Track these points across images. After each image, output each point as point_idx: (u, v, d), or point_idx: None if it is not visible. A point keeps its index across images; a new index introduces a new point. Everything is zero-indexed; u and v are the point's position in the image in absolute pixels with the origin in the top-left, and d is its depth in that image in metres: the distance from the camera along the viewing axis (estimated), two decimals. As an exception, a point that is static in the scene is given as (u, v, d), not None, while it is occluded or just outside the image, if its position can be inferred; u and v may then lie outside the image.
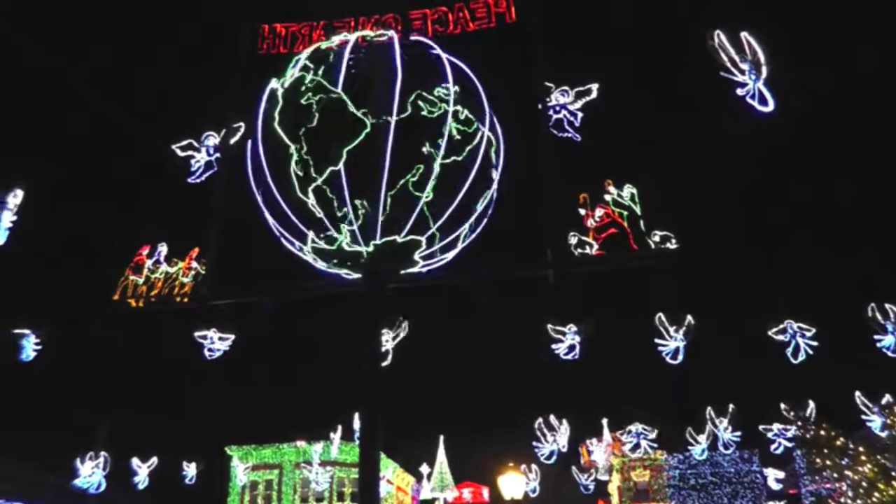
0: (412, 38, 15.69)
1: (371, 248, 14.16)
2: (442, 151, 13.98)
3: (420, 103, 14.17)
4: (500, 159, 15.07)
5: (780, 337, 20.47)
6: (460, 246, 15.00)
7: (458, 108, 14.31)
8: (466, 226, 14.76)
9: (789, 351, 20.37)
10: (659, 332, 21.39)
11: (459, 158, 14.18)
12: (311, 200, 13.97)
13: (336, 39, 15.59)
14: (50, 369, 23.12)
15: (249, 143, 15.27)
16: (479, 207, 14.73)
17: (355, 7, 17.19)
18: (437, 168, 13.96)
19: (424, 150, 13.96)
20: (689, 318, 20.80)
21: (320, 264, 15.07)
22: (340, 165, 13.86)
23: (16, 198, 17.78)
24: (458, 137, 14.21)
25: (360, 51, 15.08)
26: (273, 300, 15.91)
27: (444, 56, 14.91)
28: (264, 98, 14.88)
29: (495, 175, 14.84)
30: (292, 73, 14.79)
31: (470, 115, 14.38)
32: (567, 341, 21.51)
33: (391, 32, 15.52)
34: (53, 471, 33.98)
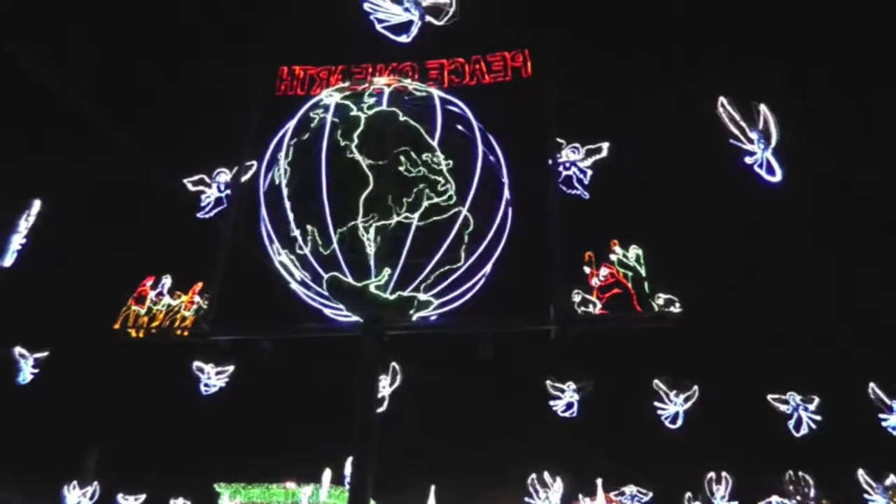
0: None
1: (394, 298, 14.26)
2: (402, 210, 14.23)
3: (402, 158, 14.40)
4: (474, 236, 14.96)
5: (783, 408, 20.27)
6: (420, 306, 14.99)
7: (440, 178, 14.48)
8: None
9: (791, 423, 20.14)
10: (660, 396, 21.21)
11: (420, 223, 14.35)
12: (371, 236, 14.12)
13: (412, 84, 15.91)
14: (44, 394, 22.92)
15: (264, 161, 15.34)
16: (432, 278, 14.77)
17: (374, 54, 17.40)
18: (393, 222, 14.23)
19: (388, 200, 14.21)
20: (691, 383, 20.68)
21: (313, 299, 15.13)
22: (415, 216, 14.17)
23: (26, 221, 17.90)
24: (426, 204, 14.37)
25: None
26: (272, 340, 15.82)
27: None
28: (329, 116, 14.95)
29: (462, 254, 14.78)
30: (372, 101, 15.07)
31: (452, 192, 14.48)
32: (566, 398, 21.35)
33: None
34: (40, 497, 33.50)
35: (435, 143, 14.66)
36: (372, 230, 14.11)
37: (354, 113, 14.91)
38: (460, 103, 15.66)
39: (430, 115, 15.11)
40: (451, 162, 14.55)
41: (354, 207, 14.15)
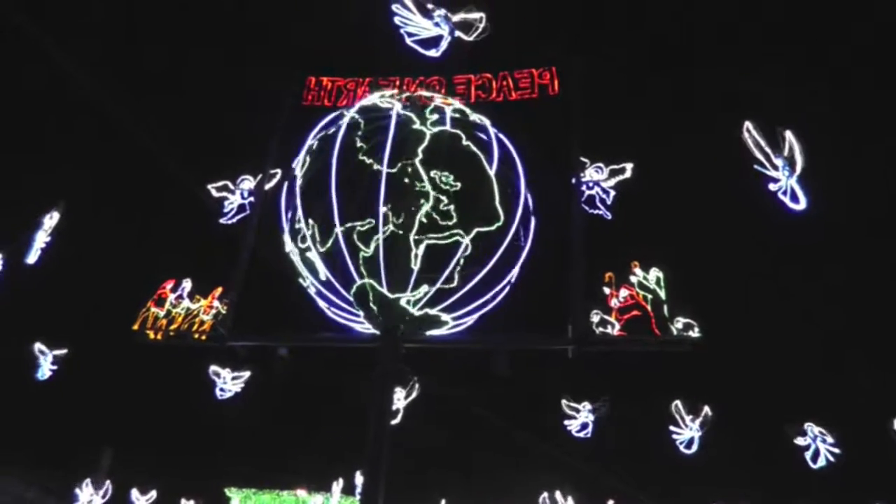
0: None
1: (420, 314, 14.32)
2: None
3: (408, 169, 14.42)
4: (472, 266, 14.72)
5: (800, 439, 20.01)
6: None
7: (443, 198, 14.37)
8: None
9: (808, 454, 19.87)
10: (675, 420, 21.04)
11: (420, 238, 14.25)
12: (420, 251, 14.12)
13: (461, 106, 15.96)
14: (62, 391, 23.14)
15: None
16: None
17: (402, 66, 17.49)
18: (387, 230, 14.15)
19: (382, 208, 14.14)
20: (707, 408, 20.49)
21: (332, 310, 15.13)
22: (467, 241, 14.18)
23: (51, 219, 18.13)
24: (423, 221, 14.23)
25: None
26: (289, 348, 15.87)
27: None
28: (392, 126, 14.89)
29: (456, 275, 14.55)
30: (436, 118, 15.11)
31: (453, 212, 14.31)
32: (581, 418, 21.27)
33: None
34: (54, 493, 33.77)
35: (492, 174, 14.69)
36: (423, 246, 14.09)
37: (417, 126, 14.92)
38: (506, 140, 15.60)
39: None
40: (458, 184, 14.51)
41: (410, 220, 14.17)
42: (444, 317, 14.56)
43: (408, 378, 19.59)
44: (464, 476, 33.61)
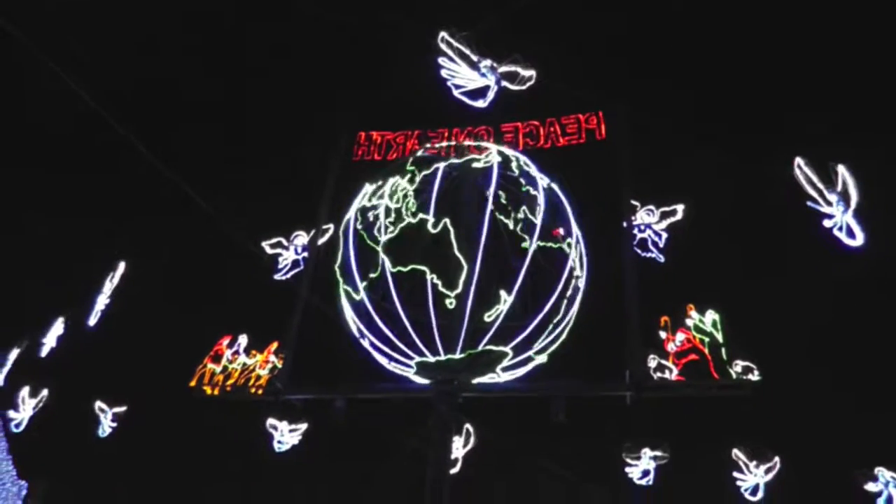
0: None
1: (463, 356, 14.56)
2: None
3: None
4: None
5: (871, 485, 19.20)
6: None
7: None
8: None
9: (881, 501, 19.05)
10: (738, 466, 20.43)
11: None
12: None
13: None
14: (119, 448, 23.41)
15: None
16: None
17: (451, 117, 17.70)
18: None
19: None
20: (770, 453, 19.84)
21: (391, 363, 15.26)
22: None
23: (112, 282, 18.63)
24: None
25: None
26: (345, 400, 15.90)
27: None
28: (494, 174, 15.55)
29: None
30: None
31: None
32: (642, 465, 20.74)
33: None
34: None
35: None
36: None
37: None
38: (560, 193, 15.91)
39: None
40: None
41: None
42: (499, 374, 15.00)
43: (465, 428, 19.43)
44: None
